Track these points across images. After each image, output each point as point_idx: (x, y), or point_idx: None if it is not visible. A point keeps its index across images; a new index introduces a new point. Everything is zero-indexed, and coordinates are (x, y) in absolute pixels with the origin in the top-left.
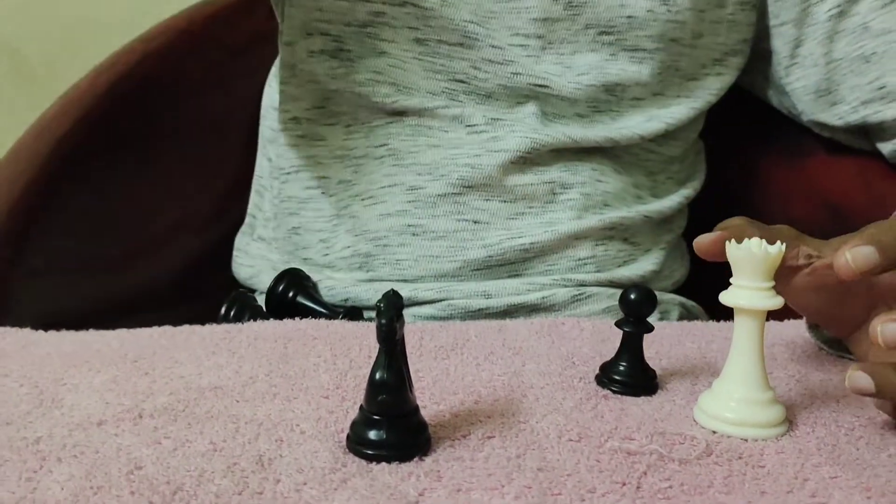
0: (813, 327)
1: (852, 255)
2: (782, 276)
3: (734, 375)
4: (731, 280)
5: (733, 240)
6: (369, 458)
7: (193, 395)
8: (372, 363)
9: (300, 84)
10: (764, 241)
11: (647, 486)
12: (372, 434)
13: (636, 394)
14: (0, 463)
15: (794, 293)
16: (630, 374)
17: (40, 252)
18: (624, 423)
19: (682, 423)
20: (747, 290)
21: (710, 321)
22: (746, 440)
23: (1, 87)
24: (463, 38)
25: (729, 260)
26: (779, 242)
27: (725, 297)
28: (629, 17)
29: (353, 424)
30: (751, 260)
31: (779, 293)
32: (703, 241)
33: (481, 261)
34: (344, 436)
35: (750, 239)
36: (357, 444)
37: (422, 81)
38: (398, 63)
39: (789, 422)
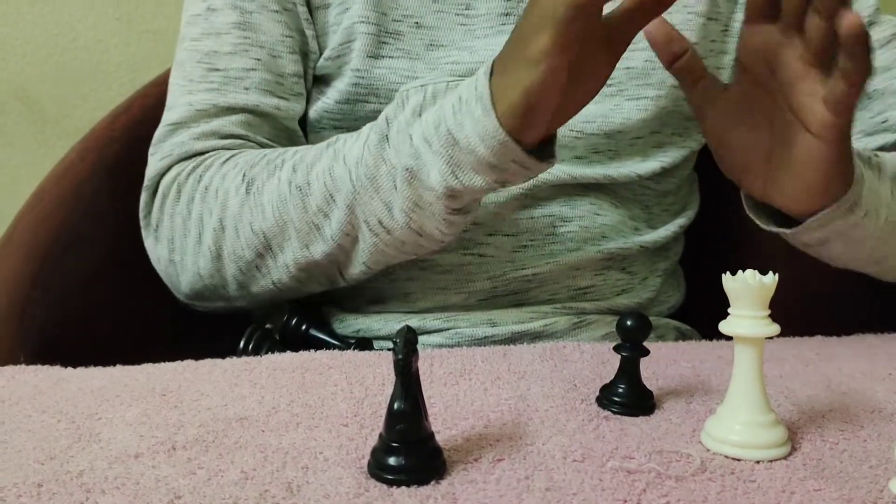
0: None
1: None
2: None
3: (737, 400)
4: (728, 310)
5: (728, 272)
6: (390, 483)
7: (221, 426)
8: (386, 390)
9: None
10: (757, 272)
11: (647, 502)
12: (391, 460)
13: (634, 414)
14: (48, 496)
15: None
16: (628, 396)
17: (64, 290)
18: (624, 442)
19: (678, 442)
20: (746, 319)
21: (704, 341)
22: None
23: (14, 129)
24: None
25: (726, 291)
26: (771, 273)
27: (725, 327)
28: (627, 68)
29: (374, 451)
30: (747, 290)
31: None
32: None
33: (486, 291)
34: (365, 462)
35: None
36: (378, 469)
37: None
38: None
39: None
